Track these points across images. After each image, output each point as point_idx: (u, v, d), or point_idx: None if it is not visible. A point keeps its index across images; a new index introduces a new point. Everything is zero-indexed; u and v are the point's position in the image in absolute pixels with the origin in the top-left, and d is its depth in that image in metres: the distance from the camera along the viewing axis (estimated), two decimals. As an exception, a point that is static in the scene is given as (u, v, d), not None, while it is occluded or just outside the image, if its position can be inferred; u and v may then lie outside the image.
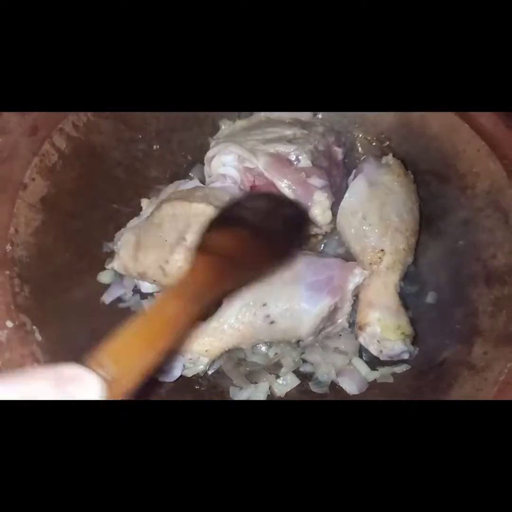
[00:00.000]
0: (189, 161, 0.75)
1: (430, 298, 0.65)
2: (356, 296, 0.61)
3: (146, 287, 0.64)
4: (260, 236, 0.48)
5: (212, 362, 0.60)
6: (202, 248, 0.46)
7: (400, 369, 0.61)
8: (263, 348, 0.64)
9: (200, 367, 0.59)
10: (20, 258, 0.56)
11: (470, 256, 0.63)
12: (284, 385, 0.62)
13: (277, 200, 0.58)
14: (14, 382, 0.27)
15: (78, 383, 0.28)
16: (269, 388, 0.62)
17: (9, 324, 0.50)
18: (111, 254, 0.65)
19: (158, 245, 0.59)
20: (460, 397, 0.52)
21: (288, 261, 0.55)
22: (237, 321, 0.57)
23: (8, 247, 0.55)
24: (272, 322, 0.57)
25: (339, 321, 0.60)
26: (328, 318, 0.58)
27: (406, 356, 0.60)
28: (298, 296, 0.56)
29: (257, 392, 0.61)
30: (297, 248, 0.58)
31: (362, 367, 0.60)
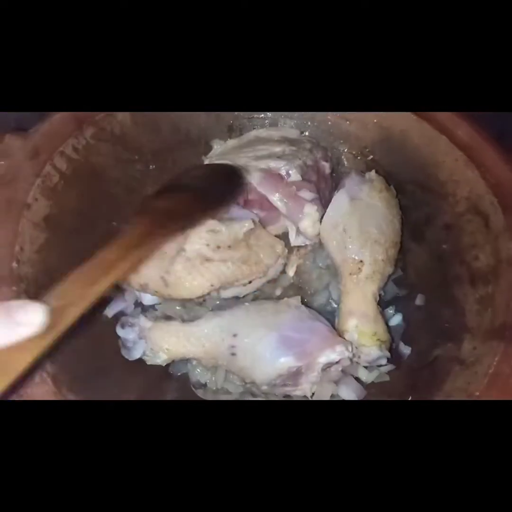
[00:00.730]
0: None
1: (419, 300, 0.68)
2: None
3: (147, 299, 0.66)
4: (195, 196, 0.56)
5: (171, 361, 0.61)
6: (147, 209, 0.52)
7: (385, 368, 0.63)
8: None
9: (158, 361, 0.60)
10: (26, 274, 0.57)
11: (454, 259, 0.66)
12: None
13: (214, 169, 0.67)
14: None
15: (24, 311, 0.34)
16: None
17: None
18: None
19: (158, 257, 0.61)
20: (453, 391, 0.54)
21: (219, 211, 0.62)
22: (205, 337, 0.59)
23: (14, 265, 0.57)
24: (233, 354, 0.57)
25: (303, 386, 0.59)
26: (288, 377, 0.57)
27: (383, 362, 0.62)
28: (266, 343, 0.56)
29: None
30: (228, 201, 0.64)
31: (362, 373, 0.62)
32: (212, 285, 0.60)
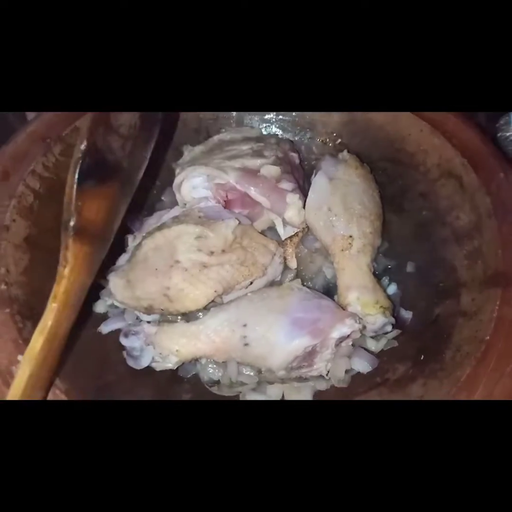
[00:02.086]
0: (158, 186, 0.78)
1: (410, 267, 0.70)
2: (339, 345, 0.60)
3: (147, 317, 0.64)
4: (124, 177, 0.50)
5: (182, 363, 0.60)
6: (81, 233, 0.47)
7: (392, 334, 0.64)
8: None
9: (168, 365, 0.59)
10: (16, 296, 0.55)
11: (436, 223, 0.69)
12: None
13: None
14: None
15: None
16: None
17: (20, 358, 0.49)
18: (102, 286, 0.66)
19: (150, 277, 0.60)
20: (462, 341, 0.55)
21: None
22: (215, 333, 0.58)
23: (3, 287, 0.54)
24: (246, 344, 0.57)
25: (317, 365, 0.59)
26: (304, 358, 0.58)
27: (389, 328, 0.63)
28: (278, 327, 0.56)
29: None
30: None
31: (371, 344, 0.63)
32: (215, 291, 0.59)
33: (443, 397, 0.50)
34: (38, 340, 0.43)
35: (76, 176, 0.44)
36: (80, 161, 0.45)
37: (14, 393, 0.41)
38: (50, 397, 0.47)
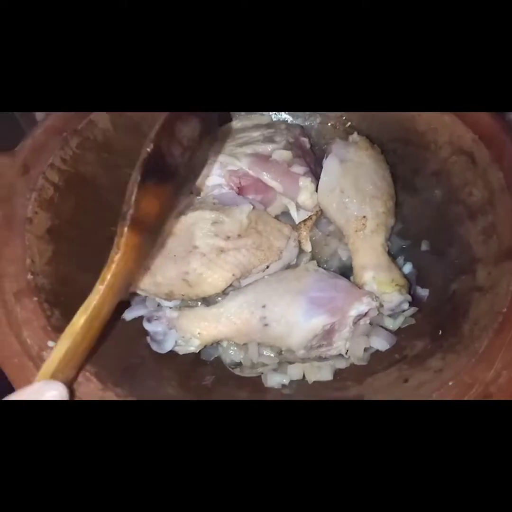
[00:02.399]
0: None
1: (424, 246, 0.70)
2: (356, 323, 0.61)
3: (168, 303, 0.65)
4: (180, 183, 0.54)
5: (203, 346, 0.61)
6: (136, 224, 0.49)
7: (409, 312, 0.65)
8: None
9: (191, 348, 0.60)
10: (43, 285, 0.56)
11: (449, 201, 0.69)
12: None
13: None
14: None
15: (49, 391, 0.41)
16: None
17: (51, 344, 0.51)
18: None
19: (169, 263, 0.61)
20: (479, 316, 0.56)
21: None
22: (235, 315, 0.59)
23: (29, 276, 0.56)
24: (266, 325, 0.58)
25: (336, 344, 0.60)
26: (323, 337, 0.59)
27: (405, 306, 0.64)
28: (296, 307, 0.57)
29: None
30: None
31: (388, 322, 0.64)
32: (233, 275, 0.61)
33: (462, 369, 0.51)
34: (80, 318, 0.45)
35: (140, 173, 0.49)
36: (145, 162, 0.49)
37: (48, 365, 0.43)
38: (81, 378, 0.49)
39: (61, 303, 0.57)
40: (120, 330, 0.63)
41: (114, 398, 0.48)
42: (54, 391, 0.41)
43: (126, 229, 0.48)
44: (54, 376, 0.43)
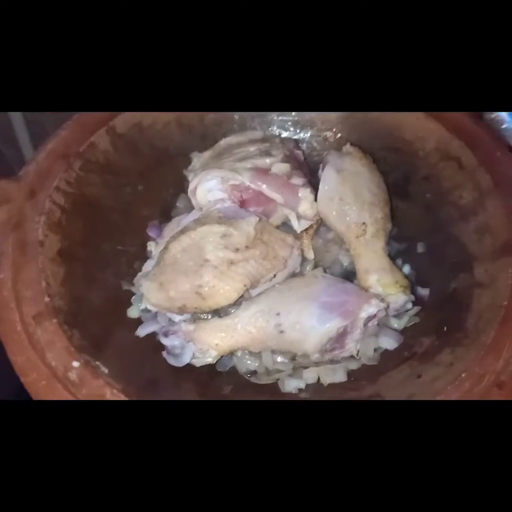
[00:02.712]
0: (171, 193, 0.81)
1: (420, 248, 0.74)
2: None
3: (179, 317, 0.66)
4: None
5: (220, 357, 0.62)
6: None
7: (413, 311, 0.68)
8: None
9: (208, 359, 0.61)
10: (60, 307, 0.57)
11: (440, 203, 0.73)
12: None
13: None
14: None
15: None
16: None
17: (76, 364, 0.52)
18: (132, 292, 0.69)
19: (182, 277, 0.62)
20: (482, 310, 0.59)
21: None
22: (250, 324, 0.61)
23: (47, 299, 0.56)
24: (281, 332, 0.60)
25: (348, 346, 0.63)
26: (336, 340, 0.61)
27: (409, 306, 0.67)
28: (310, 312, 0.59)
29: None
30: None
31: (394, 322, 0.67)
32: (244, 285, 0.62)
33: (472, 361, 0.53)
34: None
35: None
36: None
37: None
38: (109, 395, 0.50)
39: (79, 323, 0.58)
40: (135, 346, 0.64)
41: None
42: None
43: None
44: None
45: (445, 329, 0.62)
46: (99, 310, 0.63)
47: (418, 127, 0.75)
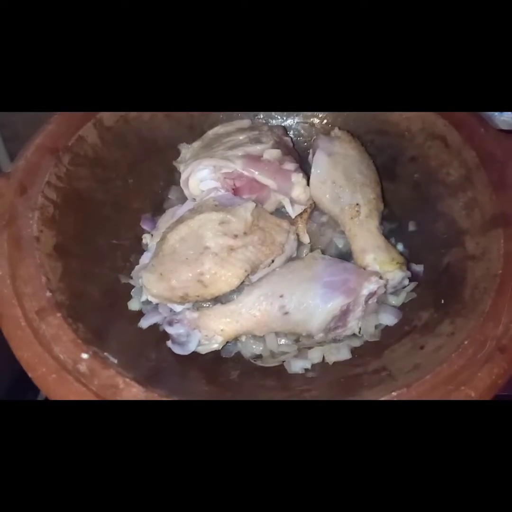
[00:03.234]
0: (162, 186, 0.81)
1: (411, 226, 0.76)
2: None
3: (179, 307, 0.66)
4: None
5: (226, 343, 0.63)
6: None
7: (410, 287, 0.69)
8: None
9: (214, 345, 0.62)
10: (62, 301, 0.56)
11: (428, 182, 0.75)
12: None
13: None
14: None
15: None
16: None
17: (85, 356, 0.51)
18: (130, 285, 0.68)
19: (183, 266, 0.62)
20: (477, 280, 0.61)
21: None
22: (254, 308, 0.62)
23: (48, 294, 0.55)
24: (286, 313, 0.61)
25: (350, 324, 0.64)
26: (339, 318, 0.62)
27: (406, 282, 0.68)
28: (313, 292, 0.60)
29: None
30: None
31: (392, 299, 0.68)
32: (245, 271, 0.63)
33: (473, 329, 0.55)
34: None
35: None
36: None
37: None
38: (122, 385, 0.50)
39: (82, 316, 0.57)
40: (139, 338, 0.64)
41: (158, 398, 0.49)
42: None
43: None
44: None
45: (442, 302, 0.64)
46: (99, 304, 0.62)
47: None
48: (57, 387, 0.48)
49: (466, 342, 0.54)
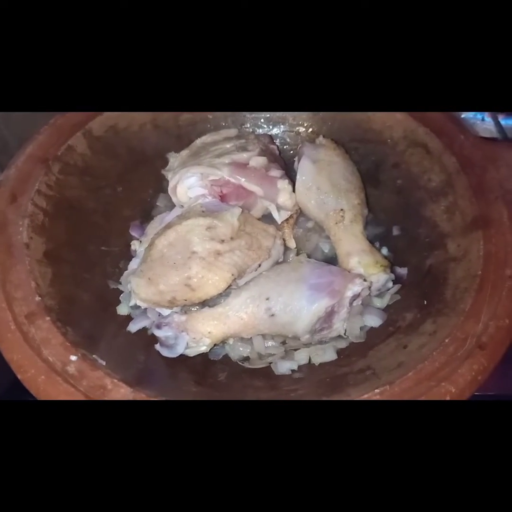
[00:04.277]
0: (151, 194, 0.82)
1: (396, 231, 0.77)
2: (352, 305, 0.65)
3: (168, 312, 0.67)
4: None
5: (213, 345, 0.64)
6: None
7: (394, 289, 0.71)
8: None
9: (202, 348, 0.63)
10: (51, 306, 0.57)
11: (411, 188, 0.77)
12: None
13: None
14: None
15: None
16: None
17: (73, 357, 0.52)
18: (120, 291, 0.70)
19: (171, 271, 0.63)
20: (458, 280, 0.63)
21: None
22: (241, 311, 0.63)
23: (38, 298, 0.56)
24: (272, 315, 0.62)
25: (336, 325, 0.65)
26: (325, 319, 0.63)
27: (390, 284, 0.70)
28: (299, 294, 0.62)
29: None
30: None
31: (377, 302, 0.69)
32: (233, 275, 0.64)
33: (454, 327, 0.57)
34: None
35: None
36: None
37: None
38: (110, 385, 0.50)
39: (71, 321, 0.58)
40: (128, 342, 0.65)
41: (146, 398, 0.50)
42: None
43: None
44: None
45: (425, 302, 0.65)
46: (89, 309, 0.63)
47: (386, 117, 0.79)
48: (46, 388, 0.49)
49: (447, 340, 0.55)
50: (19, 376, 0.50)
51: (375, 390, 0.51)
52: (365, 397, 0.51)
